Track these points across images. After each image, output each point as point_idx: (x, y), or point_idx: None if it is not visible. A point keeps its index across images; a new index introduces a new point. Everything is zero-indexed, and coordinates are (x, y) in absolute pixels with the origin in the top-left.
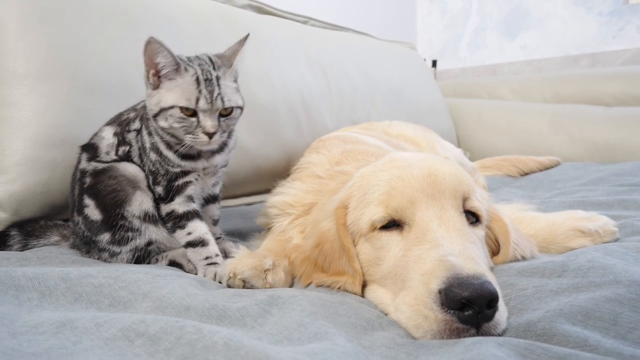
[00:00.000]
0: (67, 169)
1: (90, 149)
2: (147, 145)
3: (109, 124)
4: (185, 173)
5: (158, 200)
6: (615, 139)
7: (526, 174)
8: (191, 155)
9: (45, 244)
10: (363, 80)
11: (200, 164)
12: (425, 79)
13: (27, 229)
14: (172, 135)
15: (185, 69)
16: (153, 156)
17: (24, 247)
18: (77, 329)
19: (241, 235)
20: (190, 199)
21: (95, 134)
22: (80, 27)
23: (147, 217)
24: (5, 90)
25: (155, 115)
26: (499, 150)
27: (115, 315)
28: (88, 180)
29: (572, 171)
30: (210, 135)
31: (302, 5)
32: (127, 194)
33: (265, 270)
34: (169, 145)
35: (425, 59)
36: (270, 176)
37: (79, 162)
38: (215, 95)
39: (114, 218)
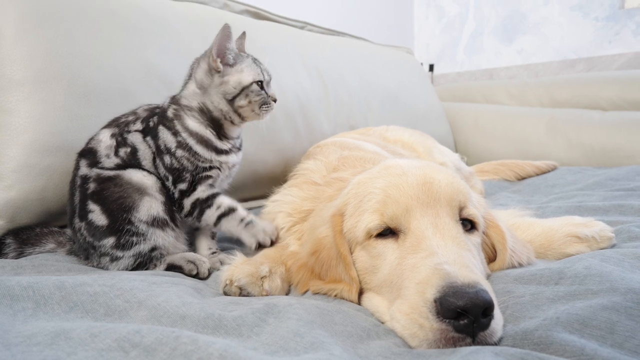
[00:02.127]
0: (63, 176)
1: (89, 154)
2: (172, 145)
3: (105, 127)
4: (211, 168)
5: (180, 199)
6: (611, 144)
7: (523, 178)
8: (225, 150)
9: (41, 252)
10: (360, 85)
11: (231, 158)
12: (422, 84)
13: (23, 237)
14: (241, 115)
15: (241, 55)
16: (180, 153)
17: (20, 255)
18: (72, 340)
19: (238, 241)
20: (211, 186)
21: (92, 138)
22: (78, 33)
23: (155, 222)
24: (2, 96)
25: (235, 97)
26: (496, 155)
27: (111, 326)
28: (92, 186)
29: (569, 176)
30: (275, 101)
31: (299, 10)
32: (134, 200)
33: (262, 278)
34: (200, 139)
35: (422, 63)
36: (268, 181)
37: (77, 168)
38: (266, 69)
39: (121, 223)
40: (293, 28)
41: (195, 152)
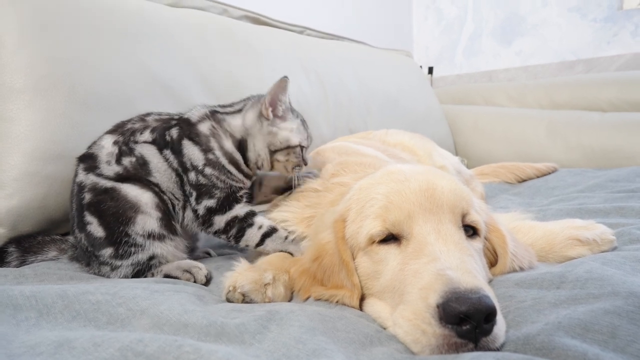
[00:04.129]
0: (64, 184)
1: (89, 159)
2: (199, 162)
3: (109, 132)
4: (243, 189)
5: (208, 215)
6: (611, 145)
7: (524, 180)
8: (250, 175)
9: (43, 260)
10: (359, 89)
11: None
12: (421, 86)
13: (25, 245)
14: (273, 166)
15: (292, 111)
16: (209, 170)
17: (22, 263)
18: (75, 349)
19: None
20: (246, 204)
21: (94, 143)
22: (77, 41)
23: (151, 235)
24: (3, 105)
25: (278, 150)
26: (496, 157)
27: (113, 335)
28: (87, 196)
29: (570, 177)
30: (306, 164)
31: (299, 14)
32: (129, 217)
33: (265, 285)
34: (232, 161)
35: (421, 66)
36: None
37: (76, 174)
38: (310, 134)
39: (118, 235)
40: (292, 33)
41: (229, 171)
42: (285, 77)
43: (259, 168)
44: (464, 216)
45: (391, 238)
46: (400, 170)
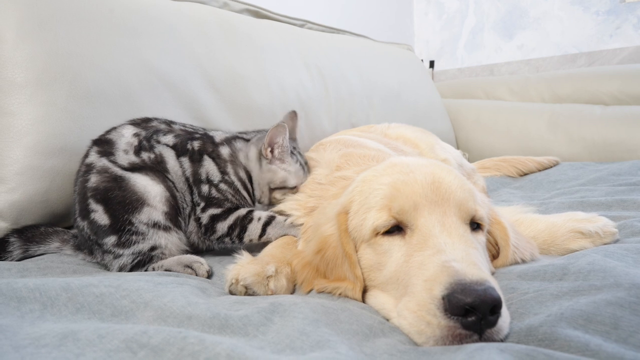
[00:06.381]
0: (66, 178)
1: (105, 144)
2: (215, 178)
3: (132, 123)
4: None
5: (211, 223)
6: (613, 138)
7: (525, 174)
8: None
9: (46, 251)
10: (361, 83)
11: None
12: (423, 81)
13: (27, 235)
14: (269, 200)
15: (293, 155)
16: (224, 187)
17: (24, 253)
18: (80, 341)
19: None
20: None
21: (114, 129)
22: (78, 35)
23: (156, 225)
24: (4, 99)
25: (276, 188)
26: (497, 151)
27: (118, 327)
28: (93, 178)
29: (571, 171)
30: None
31: (299, 8)
32: (135, 207)
33: (268, 277)
34: (245, 187)
35: (422, 60)
36: None
37: (86, 155)
38: (307, 172)
39: (122, 223)
40: (293, 26)
41: (242, 195)
42: (283, 122)
43: (259, 202)
44: (468, 210)
45: (395, 229)
46: (404, 162)
